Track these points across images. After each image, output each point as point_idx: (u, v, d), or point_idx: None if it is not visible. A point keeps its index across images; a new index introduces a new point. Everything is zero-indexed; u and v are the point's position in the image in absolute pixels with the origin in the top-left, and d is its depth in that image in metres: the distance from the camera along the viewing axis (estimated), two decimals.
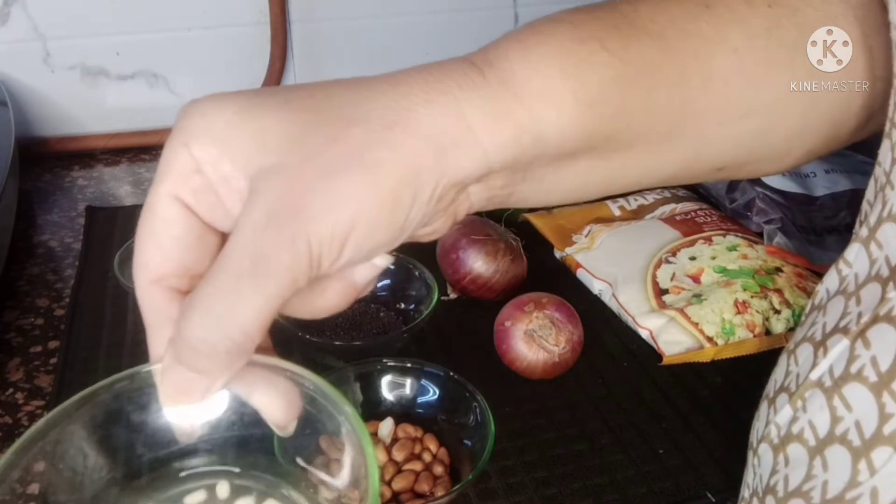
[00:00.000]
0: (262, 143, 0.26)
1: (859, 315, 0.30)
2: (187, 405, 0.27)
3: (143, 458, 0.31)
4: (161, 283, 0.27)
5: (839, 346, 0.30)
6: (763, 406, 0.37)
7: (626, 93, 0.30)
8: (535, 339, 0.53)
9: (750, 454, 0.38)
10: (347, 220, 0.25)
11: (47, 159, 0.88)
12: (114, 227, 0.73)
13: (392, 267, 0.62)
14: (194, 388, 0.26)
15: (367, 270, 0.31)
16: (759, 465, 0.36)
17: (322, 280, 0.28)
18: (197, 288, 0.25)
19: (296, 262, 0.25)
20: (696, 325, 0.57)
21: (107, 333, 0.59)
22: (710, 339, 0.56)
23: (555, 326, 0.53)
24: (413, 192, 0.27)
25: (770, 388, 0.37)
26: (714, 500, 0.46)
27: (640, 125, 0.31)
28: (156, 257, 0.27)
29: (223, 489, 0.32)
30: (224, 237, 0.28)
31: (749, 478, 0.38)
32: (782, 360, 0.37)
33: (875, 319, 0.29)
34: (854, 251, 0.32)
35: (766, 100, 0.33)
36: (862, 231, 0.31)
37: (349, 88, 0.28)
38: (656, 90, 0.31)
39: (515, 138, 0.28)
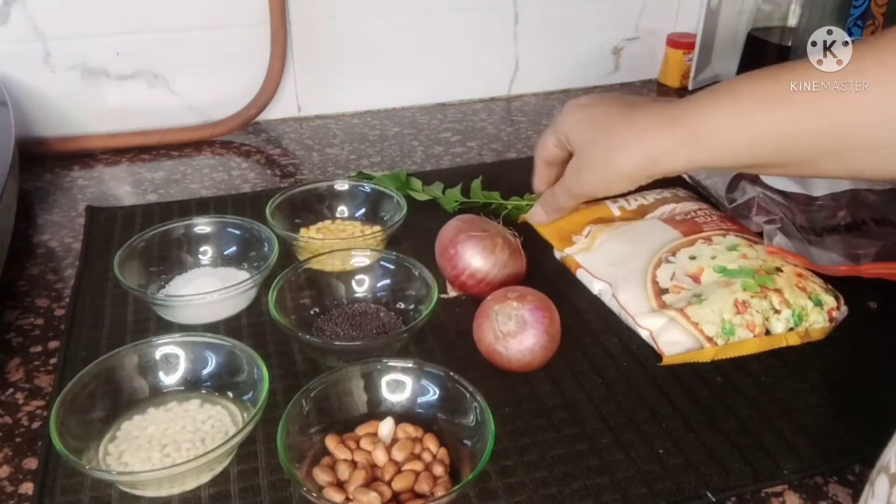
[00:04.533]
0: (581, 147, 0.59)
1: None
2: (538, 221, 0.68)
3: (152, 385, 0.52)
4: (543, 164, 0.66)
5: None
6: (881, 481, 0.32)
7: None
8: (496, 322, 0.54)
9: None
10: (597, 178, 0.59)
11: (47, 159, 0.88)
12: (114, 227, 0.73)
13: (392, 267, 0.62)
14: (540, 216, 0.68)
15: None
16: None
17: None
18: (556, 185, 0.64)
19: (574, 195, 0.63)
20: (696, 325, 0.57)
21: (107, 333, 0.59)
22: (710, 339, 0.56)
23: (517, 323, 0.53)
24: (628, 177, 0.57)
25: (890, 457, 0.32)
26: (714, 500, 0.46)
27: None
28: (541, 159, 0.65)
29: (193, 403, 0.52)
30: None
31: None
32: None
33: None
34: None
35: None
36: None
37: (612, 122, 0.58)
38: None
39: (690, 157, 0.54)
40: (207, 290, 0.58)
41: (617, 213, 0.72)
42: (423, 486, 0.45)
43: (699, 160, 0.52)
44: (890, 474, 0.32)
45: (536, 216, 0.68)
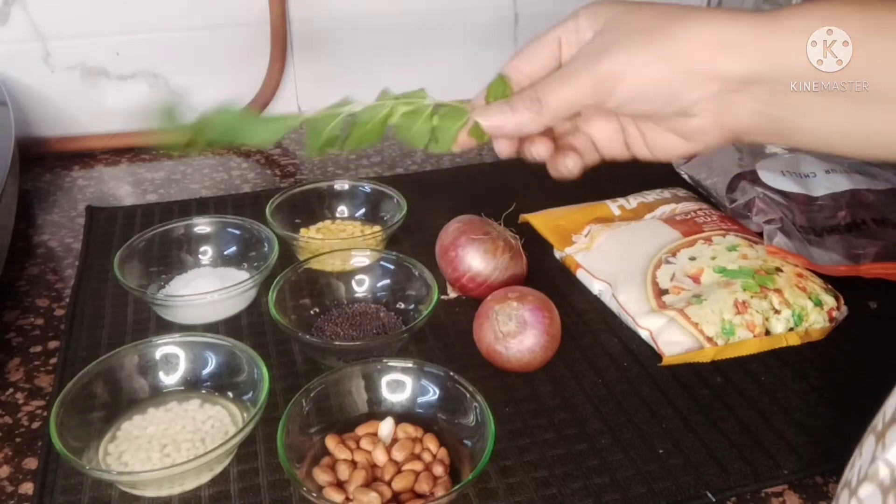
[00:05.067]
0: (608, 21, 0.41)
1: None
2: (495, 126, 0.44)
3: (152, 385, 0.52)
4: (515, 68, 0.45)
5: None
6: (869, 440, 0.33)
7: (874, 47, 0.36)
8: (496, 322, 0.54)
9: (844, 494, 0.34)
10: (624, 63, 0.39)
11: (47, 159, 0.88)
12: (114, 227, 0.73)
13: (392, 267, 0.62)
14: (505, 118, 0.43)
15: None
16: None
17: (597, 118, 0.46)
18: (550, 76, 0.42)
19: (587, 80, 0.40)
20: (696, 325, 0.57)
21: (107, 333, 0.59)
22: (710, 339, 0.56)
23: (517, 323, 0.54)
24: (674, 62, 0.38)
25: (878, 420, 0.33)
26: (714, 500, 0.46)
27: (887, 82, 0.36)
28: (524, 55, 0.44)
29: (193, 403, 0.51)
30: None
31: None
32: None
33: None
34: None
35: None
36: None
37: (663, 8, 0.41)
38: None
39: (774, 52, 0.37)
40: (207, 290, 0.58)
41: (617, 212, 0.72)
42: (423, 486, 0.45)
43: (773, 55, 0.38)
44: (876, 433, 0.32)
45: (494, 115, 0.43)
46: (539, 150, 0.45)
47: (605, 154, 0.47)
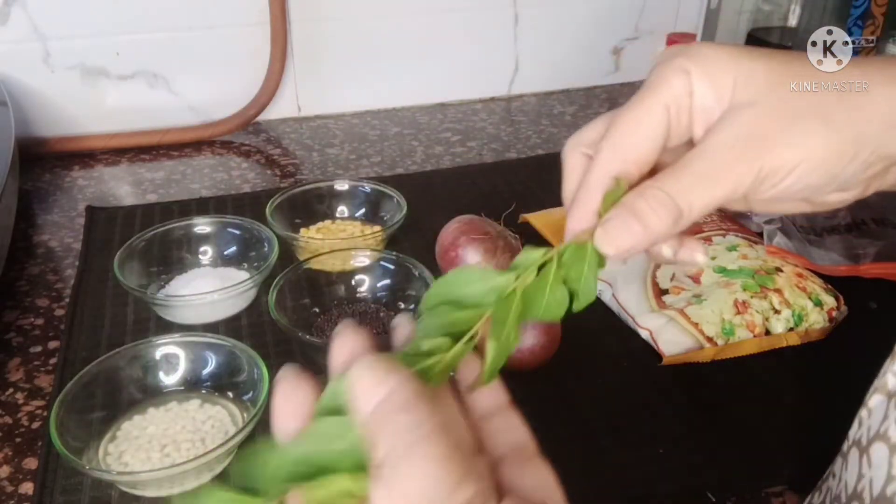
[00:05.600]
0: (742, 85, 0.32)
1: None
2: (627, 251, 0.32)
3: (152, 385, 0.52)
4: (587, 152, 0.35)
5: None
6: (886, 362, 0.36)
7: None
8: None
9: (861, 410, 0.36)
10: (797, 157, 0.31)
11: (47, 159, 0.88)
12: (114, 227, 0.73)
13: (392, 267, 0.62)
14: (636, 239, 0.32)
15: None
16: (870, 417, 0.34)
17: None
18: (684, 171, 0.32)
19: (745, 177, 0.31)
20: (696, 325, 0.57)
21: (107, 333, 0.59)
22: (710, 339, 0.56)
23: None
24: (854, 152, 0.31)
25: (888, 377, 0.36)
26: (714, 500, 0.46)
27: None
28: (628, 141, 0.33)
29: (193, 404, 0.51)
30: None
31: (853, 431, 0.36)
32: None
33: None
34: None
35: None
36: None
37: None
38: None
39: None
40: (207, 290, 0.58)
41: None
42: None
43: None
44: (893, 352, 0.35)
45: (621, 237, 0.33)
46: (669, 253, 0.35)
47: None
